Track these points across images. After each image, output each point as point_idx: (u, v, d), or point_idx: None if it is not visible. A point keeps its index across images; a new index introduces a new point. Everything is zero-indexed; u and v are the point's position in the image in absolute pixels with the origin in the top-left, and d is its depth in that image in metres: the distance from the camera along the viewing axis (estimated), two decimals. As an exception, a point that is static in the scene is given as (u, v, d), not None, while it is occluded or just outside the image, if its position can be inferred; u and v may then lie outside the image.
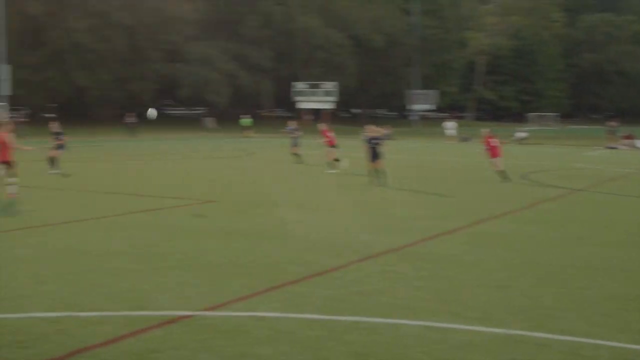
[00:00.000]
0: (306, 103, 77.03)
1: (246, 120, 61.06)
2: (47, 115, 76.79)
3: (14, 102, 60.74)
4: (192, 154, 37.04)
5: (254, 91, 78.45)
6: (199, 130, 69.44)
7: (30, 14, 64.69)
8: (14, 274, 9.22)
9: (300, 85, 76.82)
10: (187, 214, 14.73)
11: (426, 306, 7.86)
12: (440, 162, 33.35)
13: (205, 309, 7.64)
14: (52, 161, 23.67)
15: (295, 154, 30.67)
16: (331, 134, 27.45)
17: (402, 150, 40.04)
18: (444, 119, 72.58)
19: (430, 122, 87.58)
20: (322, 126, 29.70)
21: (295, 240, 11.89)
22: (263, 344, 6.56)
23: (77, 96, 73.38)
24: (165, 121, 78.47)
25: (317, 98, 75.94)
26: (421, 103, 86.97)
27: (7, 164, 16.71)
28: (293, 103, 78.71)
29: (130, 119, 56.46)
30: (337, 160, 26.39)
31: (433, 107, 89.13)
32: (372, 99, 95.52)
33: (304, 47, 79.29)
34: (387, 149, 23.65)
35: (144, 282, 8.86)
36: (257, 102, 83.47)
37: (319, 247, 11.22)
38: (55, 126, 24.80)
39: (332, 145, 27.06)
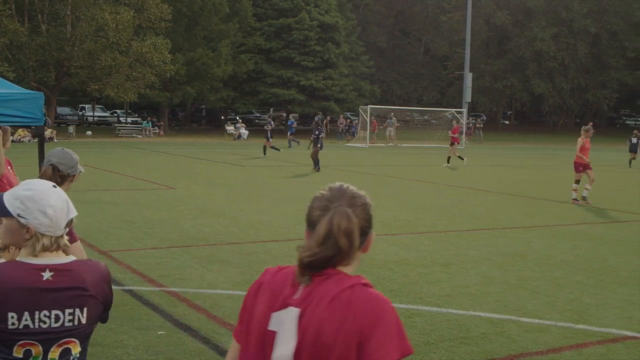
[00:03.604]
0: None
1: None
2: (503, 122, 79.13)
3: (472, 109, 63.92)
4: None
5: None
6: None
7: (496, 23, 67.82)
8: (464, 273, 9.75)
9: None
10: (635, 230, 14.00)
11: None
12: None
13: (652, 333, 7.21)
14: None
15: None
16: None
17: None
18: None
19: None
20: None
21: None
22: None
23: (533, 104, 74.52)
24: (620, 131, 75.22)
25: None
26: None
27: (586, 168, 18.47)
28: None
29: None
30: None
31: None
32: None
33: None
34: None
35: (587, 295, 8.69)
36: None
37: None
38: None
39: None
